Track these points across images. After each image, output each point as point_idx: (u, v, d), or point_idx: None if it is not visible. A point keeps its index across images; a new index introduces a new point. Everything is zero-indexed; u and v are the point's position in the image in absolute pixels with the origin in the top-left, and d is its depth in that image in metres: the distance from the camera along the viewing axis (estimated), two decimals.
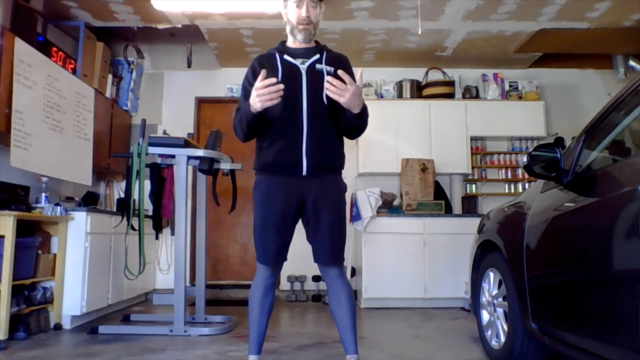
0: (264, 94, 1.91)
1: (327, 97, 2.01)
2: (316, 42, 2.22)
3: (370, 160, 5.08)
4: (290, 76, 2.09)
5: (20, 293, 3.16)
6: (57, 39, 4.24)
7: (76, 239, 3.57)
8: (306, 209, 2.10)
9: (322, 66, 2.13)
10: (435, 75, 5.46)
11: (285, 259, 2.17)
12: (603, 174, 1.80)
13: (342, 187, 2.20)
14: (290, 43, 2.20)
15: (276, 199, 2.08)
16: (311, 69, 2.12)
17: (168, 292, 4.29)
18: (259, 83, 1.92)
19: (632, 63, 5.15)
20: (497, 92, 5.26)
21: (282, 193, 2.08)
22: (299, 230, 2.16)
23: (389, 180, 5.21)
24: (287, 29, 2.17)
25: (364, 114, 2.14)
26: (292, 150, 2.07)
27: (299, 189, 2.08)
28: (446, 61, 5.36)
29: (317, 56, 2.15)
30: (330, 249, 2.09)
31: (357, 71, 2.05)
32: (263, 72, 1.94)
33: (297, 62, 2.13)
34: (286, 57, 2.13)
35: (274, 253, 2.11)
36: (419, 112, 5.15)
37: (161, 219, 4.17)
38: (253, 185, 2.17)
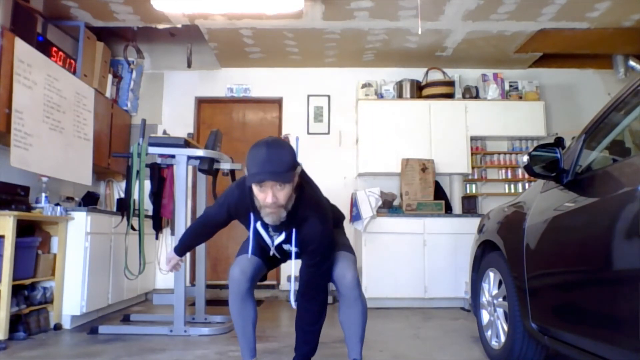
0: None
1: (296, 257, 2.09)
2: (295, 205, 1.91)
3: (370, 160, 5.08)
4: (261, 241, 2.12)
5: (20, 293, 3.16)
6: (57, 39, 4.23)
7: (76, 239, 3.57)
8: None
9: (289, 247, 2.05)
10: (435, 75, 5.46)
11: (266, 265, 2.20)
12: (603, 174, 1.80)
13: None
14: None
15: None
16: (279, 247, 2.08)
17: (168, 292, 4.29)
18: (168, 266, 2.32)
19: (632, 63, 5.15)
20: (497, 92, 5.25)
21: None
22: None
23: (389, 180, 5.21)
24: (256, 202, 1.91)
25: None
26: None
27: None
28: (446, 61, 5.36)
29: (284, 237, 2.00)
30: (342, 244, 2.16)
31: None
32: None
33: (268, 236, 2.06)
34: (258, 225, 2.03)
35: (253, 245, 2.12)
36: (419, 112, 5.15)
37: (161, 219, 4.17)
38: None
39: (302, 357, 2.09)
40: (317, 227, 1.94)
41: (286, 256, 2.14)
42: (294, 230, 1.98)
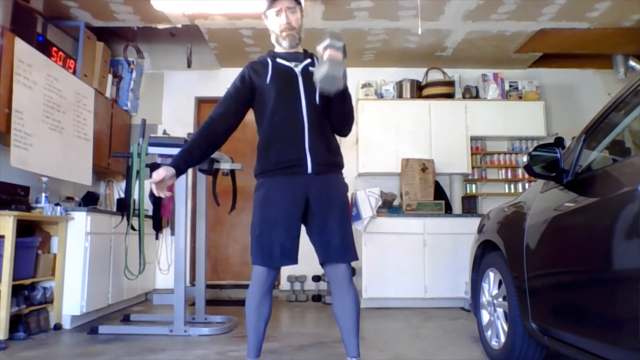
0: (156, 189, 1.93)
1: (320, 96, 2.05)
2: (304, 50, 2.24)
3: (370, 160, 5.08)
4: (286, 78, 2.11)
5: (20, 293, 3.16)
6: (57, 39, 4.24)
7: (76, 239, 3.57)
8: (311, 207, 2.06)
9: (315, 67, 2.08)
10: (435, 75, 5.47)
11: (294, 259, 2.06)
12: (603, 174, 1.80)
13: (345, 186, 2.19)
14: (280, 50, 2.21)
15: (279, 198, 2.04)
16: (305, 71, 2.13)
17: (168, 292, 4.28)
18: (155, 180, 1.90)
19: (632, 63, 5.15)
20: (497, 92, 5.26)
21: (286, 192, 2.04)
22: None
23: (389, 180, 5.21)
24: (273, 38, 2.20)
25: (347, 95, 2.09)
26: (296, 148, 2.05)
27: (303, 188, 2.05)
28: (446, 61, 5.36)
29: (309, 60, 2.17)
30: (341, 244, 2.04)
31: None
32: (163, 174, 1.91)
33: (291, 64, 2.14)
34: (279, 60, 2.15)
35: (279, 251, 2.02)
36: (419, 112, 5.15)
37: (161, 219, 4.18)
38: (254, 190, 2.13)
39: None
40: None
41: (311, 80, 1.98)
42: (314, 58, 2.16)
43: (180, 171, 1.98)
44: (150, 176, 3.74)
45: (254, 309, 2.11)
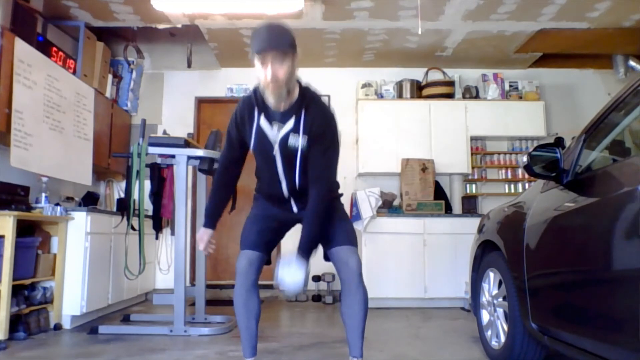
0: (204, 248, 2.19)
1: (300, 167, 1.99)
2: (301, 91, 1.97)
3: (370, 160, 5.08)
4: (266, 152, 2.02)
5: (20, 293, 3.15)
6: (57, 39, 4.24)
7: (76, 239, 3.57)
8: None
9: (296, 140, 1.95)
10: (435, 75, 5.47)
11: (266, 253, 2.15)
12: (603, 174, 1.80)
13: (340, 209, 2.21)
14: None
15: (271, 208, 2.18)
16: (284, 141, 1.96)
17: (168, 292, 4.28)
18: (202, 245, 2.17)
19: (632, 63, 5.14)
20: (497, 92, 5.26)
21: (277, 210, 2.17)
22: (299, 230, 2.15)
23: (389, 180, 5.21)
24: (260, 86, 1.94)
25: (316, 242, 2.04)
26: (279, 200, 2.13)
27: (293, 220, 2.20)
28: (446, 61, 5.36)
29: (292, 124, 1.95)
30: (346, 232, 2.12)
31: None
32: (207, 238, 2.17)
33: (273, 131, 1.97)
34: (263, 121, 1.98)
35: (256, 237, 2.12)
36: (419, 112, 5.15)
37: (161, 219, 4.17)
38: (253, 198, 2.27)
39: (306, 248, 1.97)
40: (325, 110, 2.00)
41: (291, 157, 1.98)
42: (302, 114, 1.95)
43: (214, 227, 2.22)
44: (150, 176, 3.76)
45: (242, 307, 2.12)
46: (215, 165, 3.64)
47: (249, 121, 2.01)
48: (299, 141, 1.95)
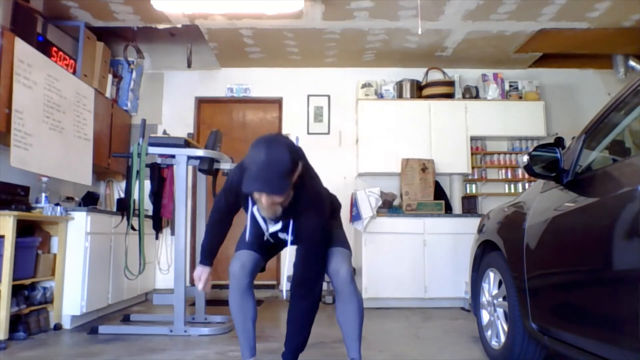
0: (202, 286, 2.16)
1: (291, 244, 2.05)
2: (295, 195, 1.95)
3: (370, 160, 5.08)
4: (257, 227, 2.12)
5: (20, 293, 3.16)
6: (57, 39, 4.24)
7: (76, 239, 3.57)
8: None
9: (286, 236, 2.06)
10: (435, 75, 5.47)
11: (262, 255, 2.19)
12: (603, 174, 1.80)
13: (339, 217, 2.33)
14: None
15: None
16: (274, 234, 2.12)
17: (168, 292, 4.29)
18: (200, 284, 2.14)
19: (632, 63, 5.14)
20: (497, 92, 5.26)
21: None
22: None
23: (389, 180, 5.21)
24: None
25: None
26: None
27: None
28: (446, 61, 5.36)
29: (281, 226, 2.05)
30: (339, 240, 2.16)
31: None
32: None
33: (264, 223, 2.09)
34: (255, 210, 2.06)
35: (253, 238, 2.13)
36: (419, 112, 5.15)
37: (161, 219, 4.17)
38: None
39: (292, 351, 2.09)
40: (314, 220, 1.97)
41: (281, 243, 2.17)
42: (291, 222, 2.00)
43: (211, 264, 2.22)
44: (150, 176, 3.76)
45: (237, 309, 2.13)
46: (215, 165, 3.64)
47: (245, 200, 2.08)
48: (288, 237, 2.03)
